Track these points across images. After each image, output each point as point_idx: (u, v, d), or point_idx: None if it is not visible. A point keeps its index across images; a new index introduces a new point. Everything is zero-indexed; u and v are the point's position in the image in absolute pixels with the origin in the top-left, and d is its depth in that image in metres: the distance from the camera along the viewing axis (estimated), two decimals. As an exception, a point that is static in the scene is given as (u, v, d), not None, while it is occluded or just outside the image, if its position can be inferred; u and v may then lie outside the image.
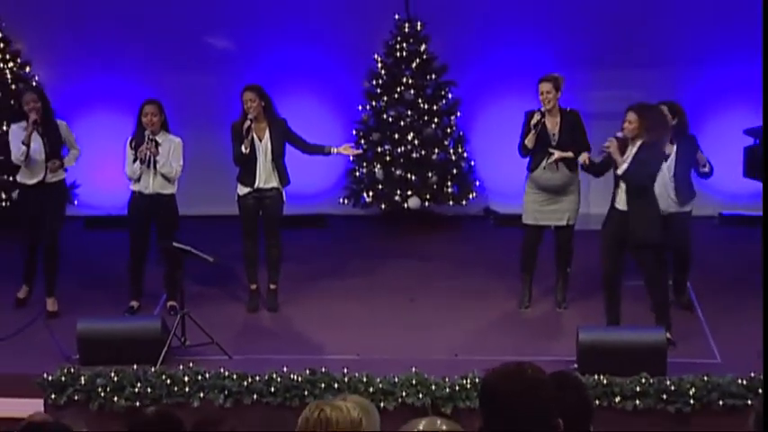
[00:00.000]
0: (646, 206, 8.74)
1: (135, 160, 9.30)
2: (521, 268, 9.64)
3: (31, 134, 9.24)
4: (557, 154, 9.21)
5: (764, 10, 8.66)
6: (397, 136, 11.38)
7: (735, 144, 10.59)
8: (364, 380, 8.19)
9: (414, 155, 11.36)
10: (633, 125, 8.68)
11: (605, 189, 11.34)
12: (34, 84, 11.01)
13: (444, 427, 3.26)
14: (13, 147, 9.37)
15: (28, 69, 11.37)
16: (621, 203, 8.79)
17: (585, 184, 10.43)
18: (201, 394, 8.22)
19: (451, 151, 11.46)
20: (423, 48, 11.41)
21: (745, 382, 8.12)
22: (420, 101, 11.38)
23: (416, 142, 11.35)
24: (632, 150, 8.68)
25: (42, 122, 9.28)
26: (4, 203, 11.02)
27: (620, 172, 8.72)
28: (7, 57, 11.33)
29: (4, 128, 9.85)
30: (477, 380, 8.07)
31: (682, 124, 9.15)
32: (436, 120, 11.41)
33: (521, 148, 9.35)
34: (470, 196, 11.54)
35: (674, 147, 9.11)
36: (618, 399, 8.08)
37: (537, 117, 9.22)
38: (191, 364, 8.45)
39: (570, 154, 9.26)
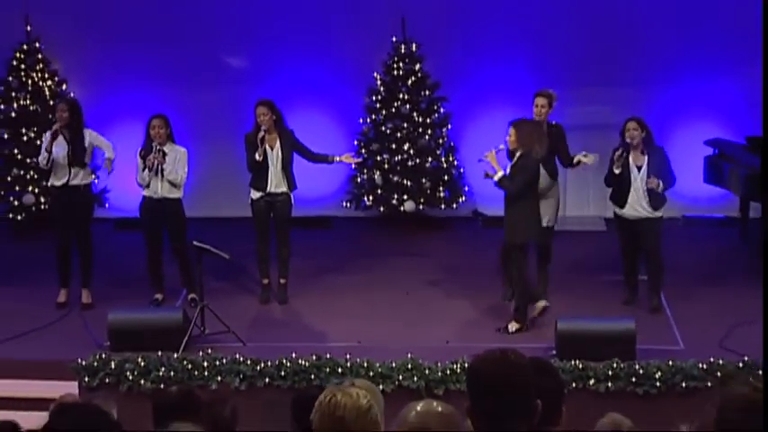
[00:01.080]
0: (520, 210, 8.82)
1: (144, 168, 9.32)
2: (502, 264, 9.59)
3: (52, 142, 9.23)
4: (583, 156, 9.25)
5: (764, 10, 8.33)
6: (394, 146, 11.37)
7: (696, 153, 10.65)
8: (365, 365, 8.24)
9: (409, 163, 11.36)
10: (512, 138, 8.80)
11: (581, 193, 11.47)
12: (72, 95, 11.03)
13: (440, 409, 3.23)
14: (41, 152, 9.39)
15: (64, 87, 11.36)
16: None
17: (563, 188, 10.47)
18: (219, 377, 8.28)
19: (443, 160, 11.45)
20: (417, 67, 11.39)
21: (705, 367, 8.18)
22: (415, 114, 11.36)
23: (412, 152, 11.34)
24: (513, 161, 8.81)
25: (70, 130, 9.29)
26: (42, 206, 11.01)
27: (496, 179, 8.82)
28: (46, 75, 11.32)
29: (44, 138, 9.85)
30: (466, 365, 8.04)
31: (649, 137, 9.16)
32: (429, 131, 11.39)
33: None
34: (460, 200, 11.51)
35: (645, 158, 9.11)
36: (592, 381, 8.14)
37: None
38: (209, 351, 8.53)
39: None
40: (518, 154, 8.76)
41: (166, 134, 9.35)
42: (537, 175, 8.85)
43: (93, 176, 10.09)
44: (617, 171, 9.16)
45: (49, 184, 9.62)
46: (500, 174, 8.79)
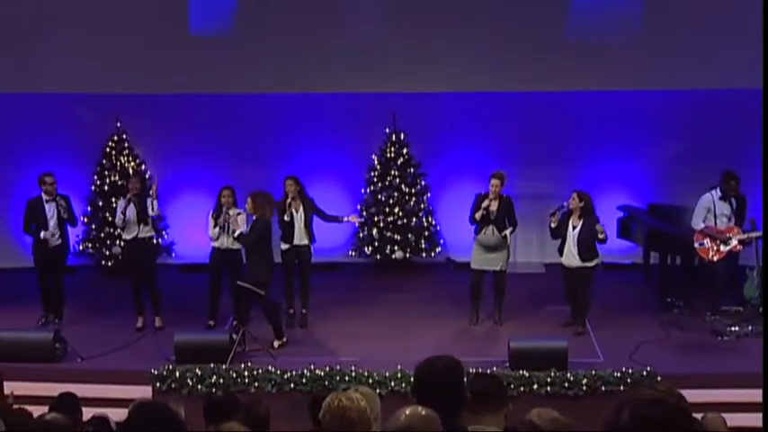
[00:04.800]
0: (257, 258, 8.82)
1: (215, 226, 9.38)
2: (470, 298, 9.66)
3: (126, 207, 9.30)
4: (509, 231, 9.31)
5: (764, 11, 7.74)
6: (387, 209, 11.37)
7: (611, 216, 10.67)
8: (365, 374, 8.25)
9: (399, 222, 11.36)
10: (249, 205, 8.87)
11: (526, 245, 11.49)
12: (147, 173, 11.08)
13: (423, 413, 3.13)
14: (117, 214, 9.46)
15: (143, 167, 11.40)
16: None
17: (514, 240, 10.48)
18: (256, 383, 8.29)
19: (424, 220, 11.44)
20: (405, 151, 11.42)
21: (618, 375, 8.21)
22: (403, 186, 11.38)
23: (400, 213, 11.35)
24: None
25: (138, 197, 9.33)
26: (120, 257, 11.00)
27: (235, 236, 8.93)
28: (130, 158, 11.39)
29: (118, 204, 9.93)
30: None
31: (587, 206, 9.10)
32: (414, 199, 11.40)
33: (471, 219, 9.41)
34: (437, 250, 11.50)
35: (581, 221, 9.09)
36: (535, 386, 8.16)
37: (486, 203, 9.28)
38: (249, 363, 8.52)
39: (509, 231, 9.38)
40: (255, 217, 8.83)
41: (233, 201, 9.38)
42: (267, 231, 8.88)
43: (154, 231, 9.98)
44: (553, 225, 9.22)
45: (122, 237, 9.65)
46: (239, 231, 8.93)
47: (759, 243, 9.58)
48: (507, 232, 9.33)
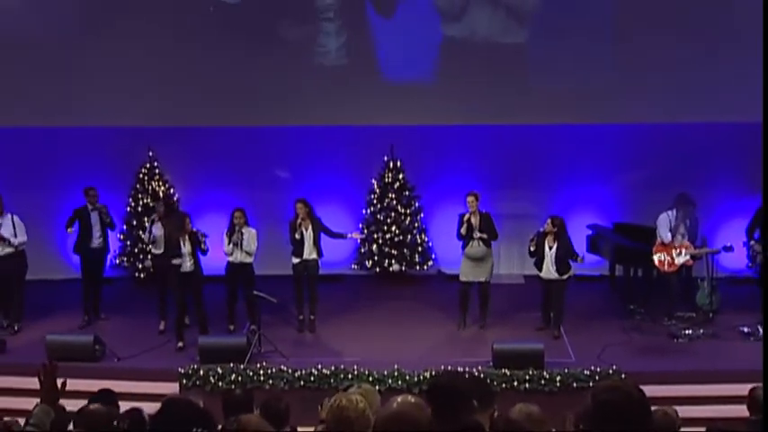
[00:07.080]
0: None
1: (229, 243, 9.44)
2: (459, 306, 9.72)
3: (152, 227, 9.50)
4: (477, 234, 9.39)
5: (765, 11, 7.41)
6: (385, 228, 11.38)
7: (581, 233, 10.70)
8: (366, 372, 8.29)
9: (396, 239, 11.40)
10: (188, 225, 9.03)
11: (509, 259, 11.54)
12: (175, 196, 11.21)
13: (413, 400, 3.06)
14: (147, 235, 9.76)
15: (172, 190, 11.44)
16: None
17: (497, 254, 10.54)
18: (270, 381, 8.33)
19: (418, 237, 11.48)
20: (401, 176, 11.44)
21: (588, 372, 8.27)
22: (399, 207, 11.42)
23: (397, 231, 11.37)
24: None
25: (165, 218, 9.48)
26: (150, 270, 11.05)
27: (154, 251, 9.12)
28: (160, 183, 11.45)
29: (147, 224, 10.11)
30: (434, 372, 8.11)
31: (560, 229, 9.24)
32: (408, 218, 11.44)
33: (458, 235, 9.51)
34: (429, 264, 11.50)
35: (556, 243, 9.21)
36: (515, 383, 8.22)
37: (467, 217, 9.42)
38: (264, 363, 8.56)
39: (485, 235, 9.45)
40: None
41: (244, 221, 9.47)
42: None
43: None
44: (532, 249, 9.33)
45: (152, 252, 9.81)
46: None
47: (710, 258, 9.74)
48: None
